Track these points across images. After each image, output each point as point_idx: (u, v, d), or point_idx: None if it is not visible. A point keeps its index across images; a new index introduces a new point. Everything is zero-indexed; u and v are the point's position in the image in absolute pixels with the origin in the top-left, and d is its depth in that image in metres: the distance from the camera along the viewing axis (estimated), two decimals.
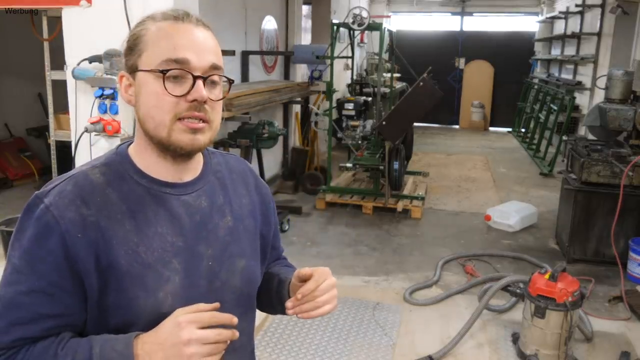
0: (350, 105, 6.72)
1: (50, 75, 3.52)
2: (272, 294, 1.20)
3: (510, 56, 12.23)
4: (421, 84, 5.22)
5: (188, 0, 3.36)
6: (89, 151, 3.37)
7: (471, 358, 3.16)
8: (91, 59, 3.29)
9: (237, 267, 1.09)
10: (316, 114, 6.59)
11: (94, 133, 3.31)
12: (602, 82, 5.24)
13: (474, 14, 12.90)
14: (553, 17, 10.59)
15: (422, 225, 5.53)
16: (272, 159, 6.67)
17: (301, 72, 7.59)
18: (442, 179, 7.40)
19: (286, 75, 7.29)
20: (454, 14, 12.92)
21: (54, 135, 3.66)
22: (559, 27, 10.55)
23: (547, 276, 2.97)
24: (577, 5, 8.62)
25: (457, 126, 12.89)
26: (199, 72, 0.96)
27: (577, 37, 8.80)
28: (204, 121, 0.97)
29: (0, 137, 6.64)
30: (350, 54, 6.70)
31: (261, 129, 4.85)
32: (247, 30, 5.94)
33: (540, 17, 11.76)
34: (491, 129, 12.51)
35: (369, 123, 6.43)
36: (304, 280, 1.06)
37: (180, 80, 0.95)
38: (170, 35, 0.96)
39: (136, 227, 0.97)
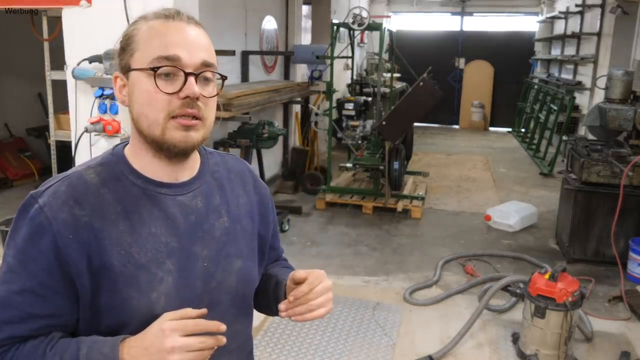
0: (350, 105, 6.72)
1: (50, 75, 3.52)
2: (269, 295, 1.19)
3: (510, 56, 12.23)
4: (421, 84, 5.22)
5: (188, 1, 3.36)
6: (89, 151, 3.37)
7: (471, 358, 3.16)
8: (91, 59, 3.29)
9: (234, 268, 1.08)
10: (316, 114, 6.59)
11: (94, 133, 3.31)
12: (602, 82, 5.24)
13: (474, 14, 12.90)
14: (553, 17, 10.59)
15: (422, 225, 5.53)
16: (272, 159, 6.67)
17: (301, 72, 7.59)
18: (442, 179, 7.40)
19: (286, 75, 7.29)
20: (454, 14, 12.92)
21: (54, 135, 3.66)
22: (559, 27, 10.55)
23: (547, 276, 2.97)
24: (577, 5, 8.62)
25: (457, 126, 12.89)
26: (190, 69, 0.95)
27: (577, 37, 8.80)
28: (197, 118, 0.97)
29: (0, 137, 6.64)
30: (350, 54, 6.70)
31: (261, 129, 4.85)
32: (247, 31, 5.94)
33: (540, 17, 11.76)
34: (491, 129, 12.51)
35: (369, 123, 6.43)
36: (299, 283, 1.05)
37: (172, 77, 0.95)
38: (161, 33, 0.96)
39: (130, 227, 0.97)
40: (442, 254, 4.64)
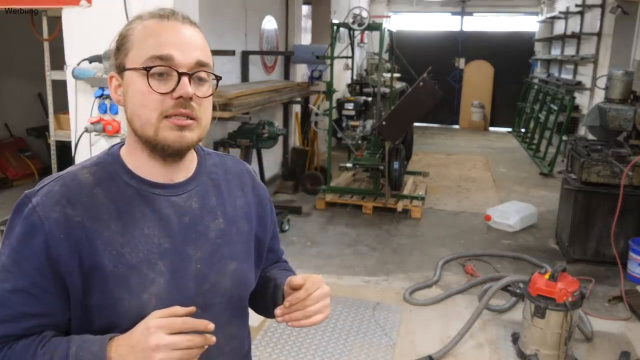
0: (350, 105, 6.72)
1: (50, 75, 3.51)
2: (267, 299, 1.18)
3: (510, 56, 12.23)
4: (421, 84, 5.22)
5: (188, 1, 3.35)
6: (89, 151, 3.36)
7: (471, 358, 3.16)
8: (91, 59, 3.28)
9: (228, 270, 1.07)
10: (316, 114, 6.59)
11: (94, 133, 3.31)
12: (602, 82, 5.24)
13: (474, 14, 12.90)
14: (553, 17, 10.59)
15: (422, 225, 5.53)
16: (272, 159, 6.67)
17: (301, 72, 7.59)
18: (442, 179, 7.40)
19: (286, 75, 7.29)
20: (454, 14, 12.92)
21: (54, 135, 3.66)
22: (559, 27, 10.55)
23: (547, 276, 2.97)
24: (577, 5, 8.62)
25: (457, 126, 12.89)
26: (184, 68, 0.95)
27: (577, 37, 8.80)
28: (191, 118, 0.96)
29: (0, 137, 6.64)
30: (350, 54, 6.70)
31: (261, 129, 4.85)
32: (247, 31, 5.94)
33: (540, 17, 11.76)
34: (491, 129, 12.51)
35: (369, 123, 6.43)
36: (296, 288, 1.04)
37: (165, 77, 0.94)
38: (155, 33, 0.96)
39: (122, 228, 0.97)
40: (442, 254, 4.64)
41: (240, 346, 1.16)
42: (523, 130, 11.07)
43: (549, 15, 11.00)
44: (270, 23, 6.64)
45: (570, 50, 9.51)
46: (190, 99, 0.95)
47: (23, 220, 0.94)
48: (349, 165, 5.90)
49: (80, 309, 0.95)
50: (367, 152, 6.04)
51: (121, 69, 0.98)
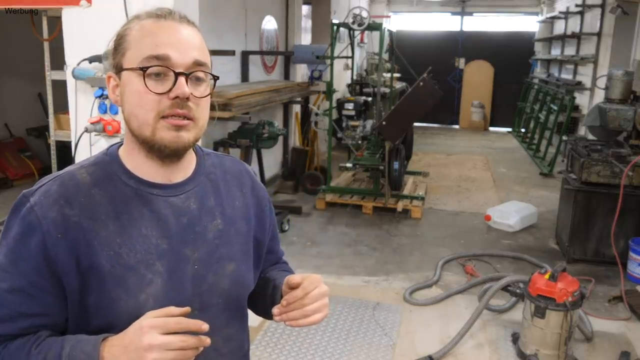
0: (350, 105, 6.72)
1: (50, 75, 3.51)
2: (266, 299, 1.17)
3: (510, 56, 12.23)
4: (421, 84, 5.22)
5: (188, 1, 3.35)
6: (89, 151, 3.36)
7: (471, 358, 3.16)
8: (91, 59, 3.28)
9: (226, 271, 1.07)
10: (316, 114, 6.59)
11: (94, 133, 3.31)
12: (602, 82, 5.24)
13: (474, 14, 12.90)
14: (553, 17, 10.59)
15: (422, 225, 5.53)
16: (272, 159, 6.67)
17: (301, 72, 7.59)
18: (442, 179, 7.40)
19: (286, 75, 7.29)
20: (454, 14, 12.92)
21: (54, 135, 3.66)
22: (559, 27, 10.55)
23: (547, 276, 2.97)
24: (577, 5, 8.62)
25: (457, 126, 12.89)
26: (181, 68, 0.94)
27: (577, 37, 8.80)
28: (188, 118, 0.96)
29: (0, 137, 6.64)
30: (350, 54, 6.70)
31: (261, 129, 4.85)
32: (247, 31, 5.94)
33: (540, 17, 11.76)
34: (491, 129, 12.51)
35: (369, 123, 6.43)
36: (294, 287, 1.03)
37: (162, 77, 0.94)
38: (152, 32, 0.95)
39: (120, 228, 0.96)
40: (442, 254, 4.64)
41: (239, 348, 1.16)
42: (523, 130, 11.07)
43: (549, 15, 11.00)
44: (270, 23, 6.64)
45: (570, 50, 9.51)
46: (187, 99, 0.94)
47: (20, 220, 0.94)
48: (349, 165, 5.90)
49: (78, 309, 0.95)
50: (367, 152, 6.04)
51: (119, 69, 0.98)
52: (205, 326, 0.88)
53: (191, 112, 0.96)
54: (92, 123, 3.27)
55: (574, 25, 9.35)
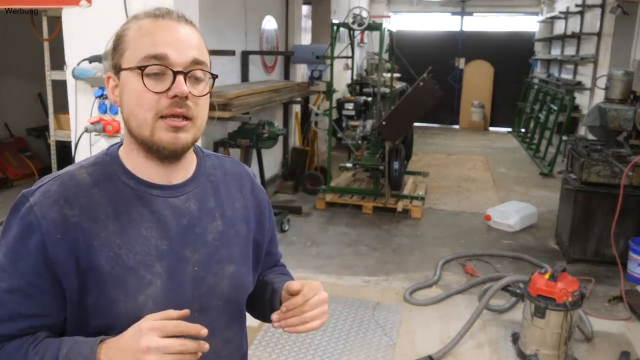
0: (350, 105, 6.72)
1: (50, 75, 3.52)
2: (265, 303, 1.17)
3: (510, 56, 12.23)
4: (421, 84, 5.22)
5: (188, 1, 3.35)
6: (89, 151, 3.36)
7: (471, 358, 3.16)
8: (91, 59, 3.28)
9: (226, 273, 1.06)
10: (316, 114, 6.59)
11: (94, 133, 3.31)
12: (602, 82, 5.24)
13: (474, 14, 12.90)
14: (553, 17, 10.59)
15: (422, 225, 5.53)
16: (272, 159, 6.67)
17: (301, 72, 7.59)
18: (442, 179, 7.40)
19: (286, 75, 7.29)
20: (454, 14, 12.92)
21: (54, 135, 3.66)
22: (559, 27, 10.55)
23: (547, 276, 2.97)
24: (577, 5, 8.62)
25: (457, 126, 12.89)
26: (179, 67, 0.94)
27: (577, 37, 8.80)
28: (186, 118, 0.96)
29: (0, 137, 6.64)
30: (350, 54, 6.70)
31: (261, 129, 4.84)
32: (247, 30, 5.94)
33: (540, 17, 11.76)
34: (491, 129, 12.51)
35: (369, 123, 6.43)
36: (294, 294, 1.02)
37: (161, 77, 0.94)
38: (150, 32, 0.95)
39: (120, 228, 0.96)
40: (442, 254, 4.64)
41: (238, 350, 1.15)
42: (523, 130, 11.07)
43: (549, 15, 11.00)
44: (270, 23, 6.64)
45: (570, 50, 9.51)
46: (186, 97, 0.94)
47: (20, 220, 0.94)
48: (349, 165, 5.90)
49: (77, 309, 0.95)
50: (367, 152, 6.04)
51: (117, 69, 0.98)
52: (204, 331, 0.87)
53: (190, 111, 0.96)
54: (92, 123, 3.28)
55: (574, 25, 9.35)
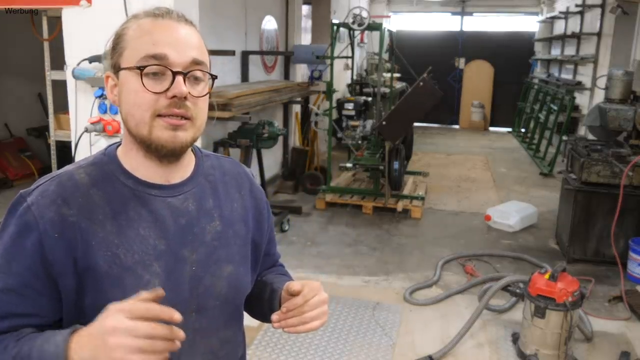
0: (350, 105, 6.72)
1: (50, 75, 3.52)
2: (264, 304, 1.16)
3: (510, 56, 12.23)
4: (421, 84, 5.22)
5: (188, 1, 3.35)
6: (89, 151, 3.36)
7: (471, 358, 3.16)
8: (91, 59, 3.28)
9: (224, 273, 1.06)
10: (316, 114, 6.59)
11: (94, 133, 3.31)
12: (602, 82, 5.24)
13: (474, 14, 12.89)
14: (553, 17, 10.59)
15: (422, 225, 5.53)
16: (272, 159, 6.67)
17: (301, 72, 7.59)
18: (442, 179, 7.40)
19: (286, 75, 7.29)
20: (454, 14, 12.92)
21: (54, 135, 3.66)
22: (559, 27, 10.55)
23: (547, 276, 2.97)
24: (577, 5, 8.62)
25: (457, 126, 12.89)
26: (178, 67, 0.94)
27: (577, 37, 8.80)
28: (185, 118, 0.95)
29: (0, 137, 6.64)
30: (350, 54, 6.70)
31: (261, 129, 4.85)
32: (247, 30, 5.94)
33: (540, 17, 11.77)
34: (491, 129, 12.51)
35: (369, 123, 6.43)
36: (294, 295, 1.02)
37: (160, 76, 0.94)
38: (149, 31, 0.95)
39: (118, 228, 0.96)
40: (442, 254, 4.64)
41: (235, 350, 1.15)
42: (523, 130, 11.07)
43: (549, 15, 11.00)
44: (270, 23, 6.64)
45: (570, 50, 9.51)
46: (185, 98, 0.94)
47: (17, 219, 0.93)
48: (349, 165, 5.90)
49: (74, 309, 0.95)
50: (367, 152, 6.04)
51: (116, 69, 0.98)
52: (177, 316, 0.80)
53: (189, 111, 0.95)
54: (92, 123, 3.28)
55: (574, 25, 9.35)
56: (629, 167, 4.06)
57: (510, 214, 5.41)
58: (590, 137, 5.24)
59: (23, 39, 5.27)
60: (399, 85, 9.20)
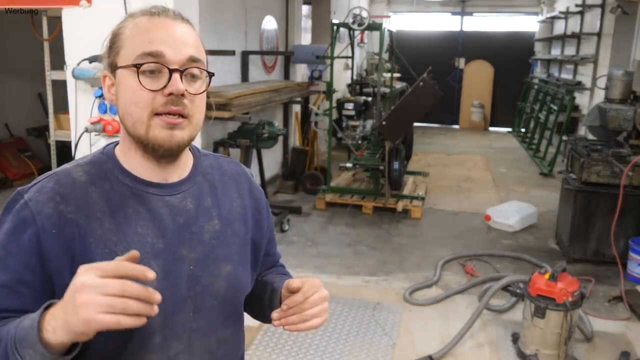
0: (350, 105, 6.72)
1: (50, 75, 3.52)
2: (264, 303, 1.16)
3: (510, 56, 12.23)
4: (421, 84, 5.22)
5: (189, 1, 3.35)
6: (89, 151, 3.36)
7: (471, 358, 3.16)
8: (91, 59, 3.28)
9: (222, 272, 1.05)
10: (316, 114, 6.59)
11: (94, 133, 3.31)
12: (602, 82, 5.24)
13: (474, 14, 12.89)
14: (553, 17, 10.59)
15: (422, 225, 5.53)
16: (272, 159, 6.67)
17: (301, 72, 7.59)
18: (442, 179, 7.40)
19: (286, 75, 7.29)
20: (454, 14, 12.92)
21: (54, 135, 3.66)
22: (559, 27, 10.55)
23: (547, 276, 2.97)
24: (577, 5, 8.62)
25: (457, 126, 12.89)
26: (175, 65, 0.94)
27: (577, 37, 8.80)
28: (182, 116, 0.95)
29: (0, 137, 6.64)
30: (350, 54, 6.70)
31: (261, 129, 4.85)
32: (247, 30, 5.94)
33: (540, 17, 11.77)
34: (491, 129, 12.51)
35: (369, 123, 6.44)
36: (293, 292, 1.01)
37: (157, 74, 0.94)
38: (146, 30, 0.95)
39: (116, 226, 0.95)
40: (442, 254, 4.64)
41: (234, 351, 1.14)
42: (523, 130, 11.07)
43: (549, 15, 11.00)
44: (270, 23, 6.64)
45: (570, 50, 9.51)
46: (182, 95, 0.94)
47: (13, 216, 0.93)
48: (349, 165, 5.90)
49: None
50: (367, 152, 6.04)
51: (113, 68, 0.98)
52: (151, 274, 0.76)
53: (186, 109, 0.95)
54: (92, 123, 3.28)
55: (574, 25, 9.35)
56: (629, 167, 4.06)
57: (510, 214, 5.41)
58: (590, 137, 5.24)
59: (23, 39, 5.27)
60: (399, 85, 9.20)
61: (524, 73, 11.91)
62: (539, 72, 11.66)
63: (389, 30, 8.35)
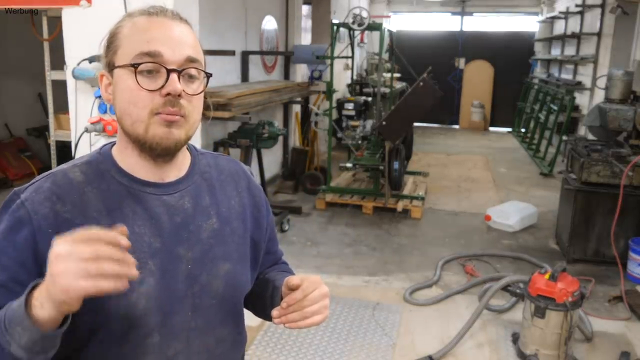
0: (350, 105, 6.72)
1: (50, 75, 3.52)
2: (266, 301, 1.15)
3: (510, 56, 12.24)
4: (421, 84, 5.22)
5: (189, 1, 3.35)
6: (89, 151, 3.36)
7: (471, 358, 3.16)
8: (91, 59, 3.28)
9: (220, 271, 1.05)
10: (316, 114, 6.59)
11: (94, 133, 3.31)
12: (602, 82, 5.24)
13: (474, 14, 12.90)
14: (553, 17, 10.59)
15: (422, 225, 5.53)
16: (272, 159, 6.67)
17: (301, 72, 7.59)
18: (442, 179, 7.40)
19: (286, 75, 7.29)
20: (454, 14, 12.92)
21: (54, 135, 3.66)
22: (559, 27, 10.55)
23: (547, 276, 2.97)
24: (577, 5, 8.62)
25: (457, 126, 12.89)
26: (173, 65, 0.94)
27: (577, 37, 8.80)
28: (180, 116, 0.95)
29: (0, 137, 6.64)
30: (350, 54, 6.70)
31: (261, 129, 4.85)
32: (247, 30, 5.94)
33: (540, 17, 11.77)
34: (491, 129, 12.51)
35: (369, 123, 6.44)
36: (293, 289, 1.01)
37: (154, 74, 0.93)
38: (143, 29, 0.95)
39: (113, 225, 0.96)
40: (442, 254, 4.64)
41: (233, 349, 1.13)
42: (523, 130, 11.07)
43: (549, 15, 11.00)
44: (270, 23, 6.64)
45: (570, 50, 9.51)
46: (179, 95, 0.94)
47: (9, 215, 0.93)
48: (349, 165, 5.90)
49: None
50: (367, 152, 6.04)
51: (111, 67, 0.97)
52: (124, 241, 0.77)
53: (183, 109, 0.95)
54: (92, 123, 3.28)
55: (574, 25, 9.35)
56: (629, 167, 4.06)
57: (510, 214, 5.41)
58: (590, 137, 5.24)
59: (23, 39, 5.27)
60: (399, 85, 9.20)
61: (524, 73, 11.91)
62: (539, 72, 11.66)
63: (389, 30, 8.34)
